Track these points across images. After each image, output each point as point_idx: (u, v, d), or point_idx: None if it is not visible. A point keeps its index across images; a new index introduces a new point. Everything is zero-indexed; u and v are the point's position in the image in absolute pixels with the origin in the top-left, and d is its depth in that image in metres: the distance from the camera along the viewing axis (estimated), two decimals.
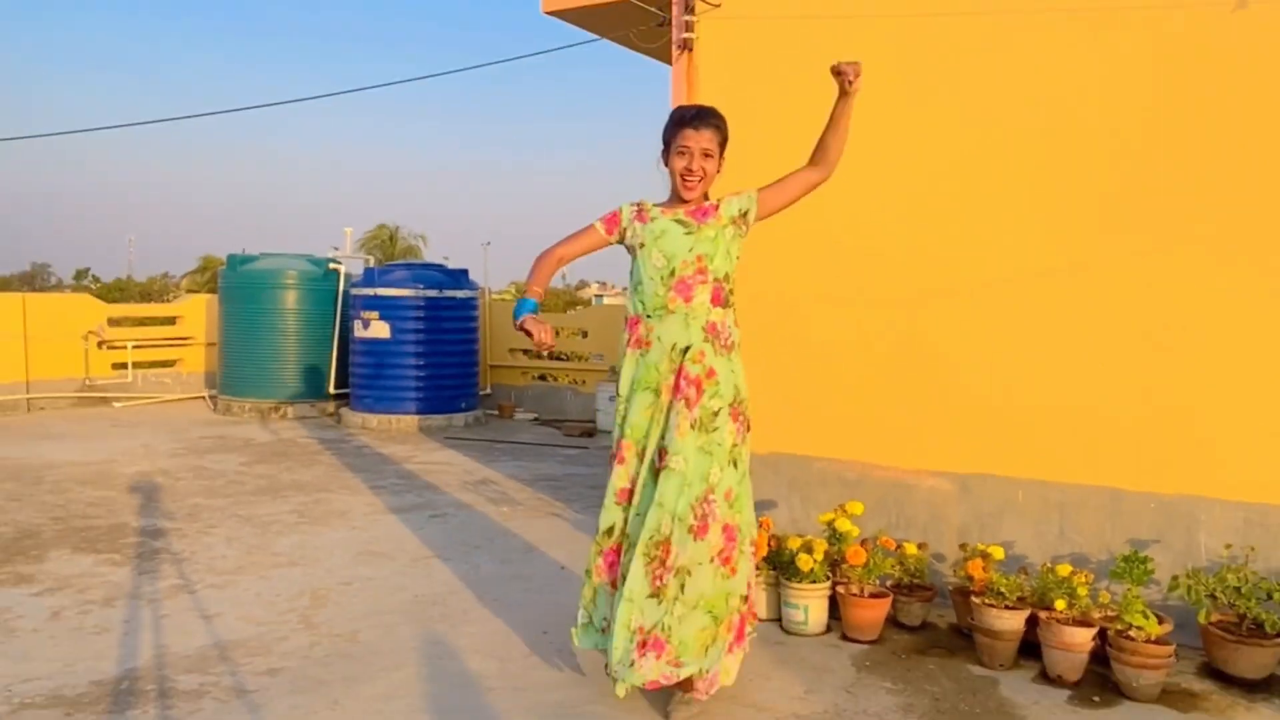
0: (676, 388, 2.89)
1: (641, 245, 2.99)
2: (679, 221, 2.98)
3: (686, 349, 2.90)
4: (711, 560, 2.87)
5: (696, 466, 2.85)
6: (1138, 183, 3.76)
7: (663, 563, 2.81)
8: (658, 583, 2.82)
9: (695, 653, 2.86)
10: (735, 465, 2.94)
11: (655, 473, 2.90)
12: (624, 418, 3.01)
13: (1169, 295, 3.70)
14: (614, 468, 3.00)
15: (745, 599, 3.03)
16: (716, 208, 2.99)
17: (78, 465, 7.27)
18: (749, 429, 3.03)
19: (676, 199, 3.01)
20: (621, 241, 3.06)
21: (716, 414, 2.89)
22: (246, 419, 10.37)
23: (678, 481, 2.83)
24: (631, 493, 2.95)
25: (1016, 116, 4.00)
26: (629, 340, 3.02)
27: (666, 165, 3.00)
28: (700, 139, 2.92)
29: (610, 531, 3.01)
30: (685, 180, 2.94)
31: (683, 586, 2.84)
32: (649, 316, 2.96)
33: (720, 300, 2.95)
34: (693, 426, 2.86)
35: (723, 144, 2.97)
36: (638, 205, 3.06)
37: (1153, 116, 3.73)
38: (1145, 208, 3.75)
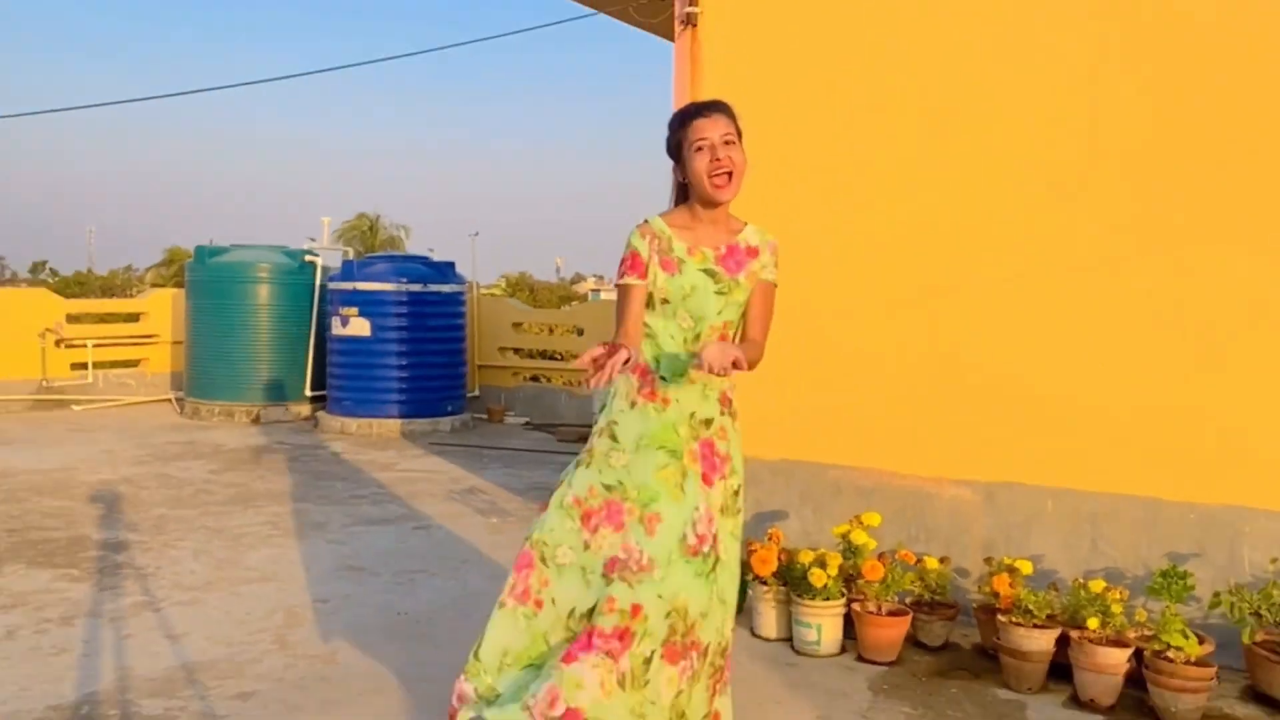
0: (710, 465, 2.71)
1: (665, 302, 2.70)
2: (709, 273, 2.68)
3: (709, 420, 2.73)
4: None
5: (730, 552, 2.72)
6: (1176, 176, 3.76)
7: (719, 671, 2.75)
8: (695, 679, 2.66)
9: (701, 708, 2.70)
10: (735, 538, 2.80)
11: (690, 554, 2.60)
12: (624, 470, 2.66)
13: (1212, 294, 3.70)
14: (599, 528, 2.63)
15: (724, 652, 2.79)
16: (756, 252, 2.73)
17: (34, 473, 7.27)
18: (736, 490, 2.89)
19: (699, 207, 2.71)
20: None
21: (737, 493, 2.77)
22: (216, 423, 10.36)
23: (730, 575, 2.72)
24: (622, 564, 2.58)
25: (1037, 106, 3.99)
26: (639, 389, 2.73)
27: (684, 177, 2.70)
28: (716, 126, 2.63)
29: (571, 610, 2.66)
30: (714, 180, 2.62)
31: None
32: (664, 379, 2.71)
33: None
34: (722, 511, 2.71)
35: (740, 134, 2.69)
36: (652, 237, 2.71)
37: (1194, 107, 3.73)
38: (1187, 201, 3.74)
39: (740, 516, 2.79)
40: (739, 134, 2.67)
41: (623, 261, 2.72)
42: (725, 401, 2.77)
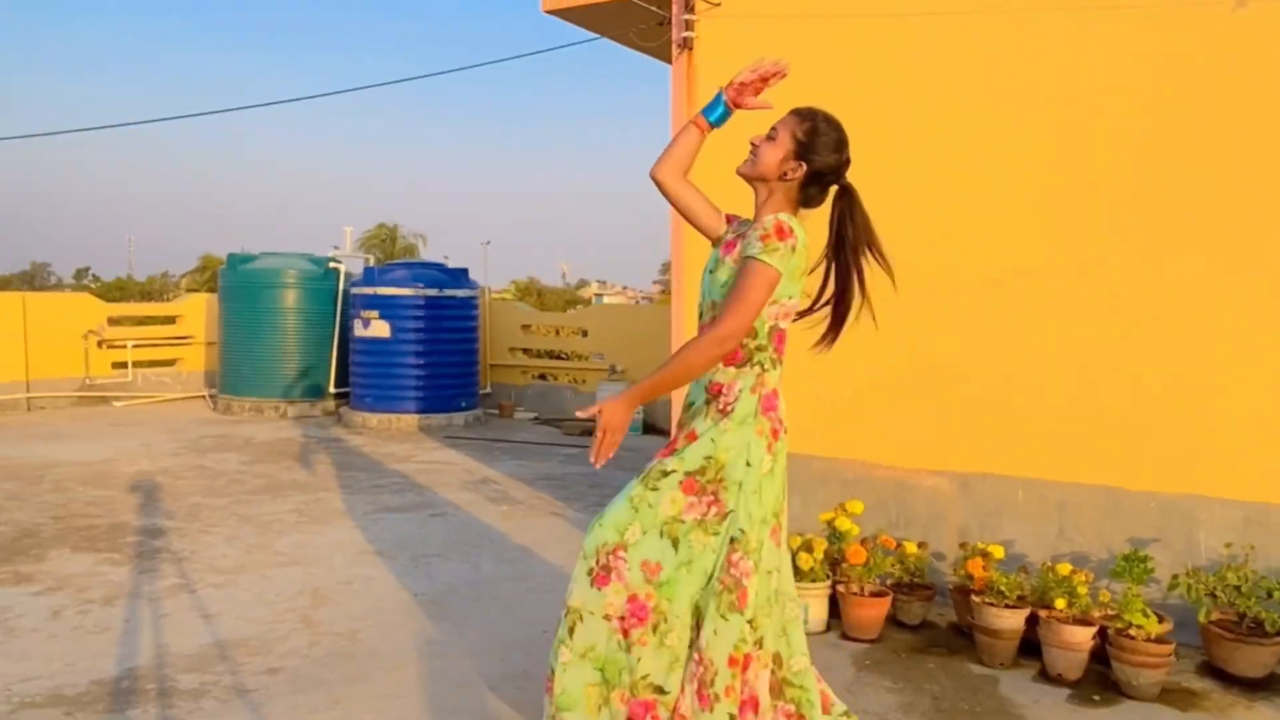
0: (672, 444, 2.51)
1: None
2: (716, 247, 2.55)
3: (692, 406, 2.53)
4: (606, 618, 2.39)
5: (620, 513, 2.42)
6: (1141, 182, 3.76)
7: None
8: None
9: (581, 709, 2.41)
10: (675, 545, 2.38)
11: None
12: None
13: (1168, 293, 3.70)
14: None
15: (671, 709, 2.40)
16: (745, 238, 2.43)
17: (78, 465, 7.27)
18: (723, 518, 2.38)
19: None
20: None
21: (666, 475, 2.41)
22: (246, 418, 10.36)
23: (596, 519, 2.49)
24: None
25: (1022, 115, 3.99)
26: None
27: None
28: (778, 118, 2.50)
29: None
30: (748, 157, 2.50)
31: (571, 630, 2.42)
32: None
33: (734, 359, 2.41)
34: (637, 474, 2.47)
35: (797, 144, 2.44)
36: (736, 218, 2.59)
37: (1162, 116, 3.73)
38: (1150, 206, 3.74)
39: (665, 504, 2.39)
40: (798, 146, 2.44)
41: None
42: (714, 390, 2.43)
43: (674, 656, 2.40)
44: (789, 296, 2.42)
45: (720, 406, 2.42)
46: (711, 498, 2.39)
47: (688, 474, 2.41)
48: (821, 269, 2.51)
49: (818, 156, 2.44)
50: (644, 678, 2.39)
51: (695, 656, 2.38)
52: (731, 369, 2.42)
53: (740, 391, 2.41)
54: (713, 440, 2.40)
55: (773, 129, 2.47)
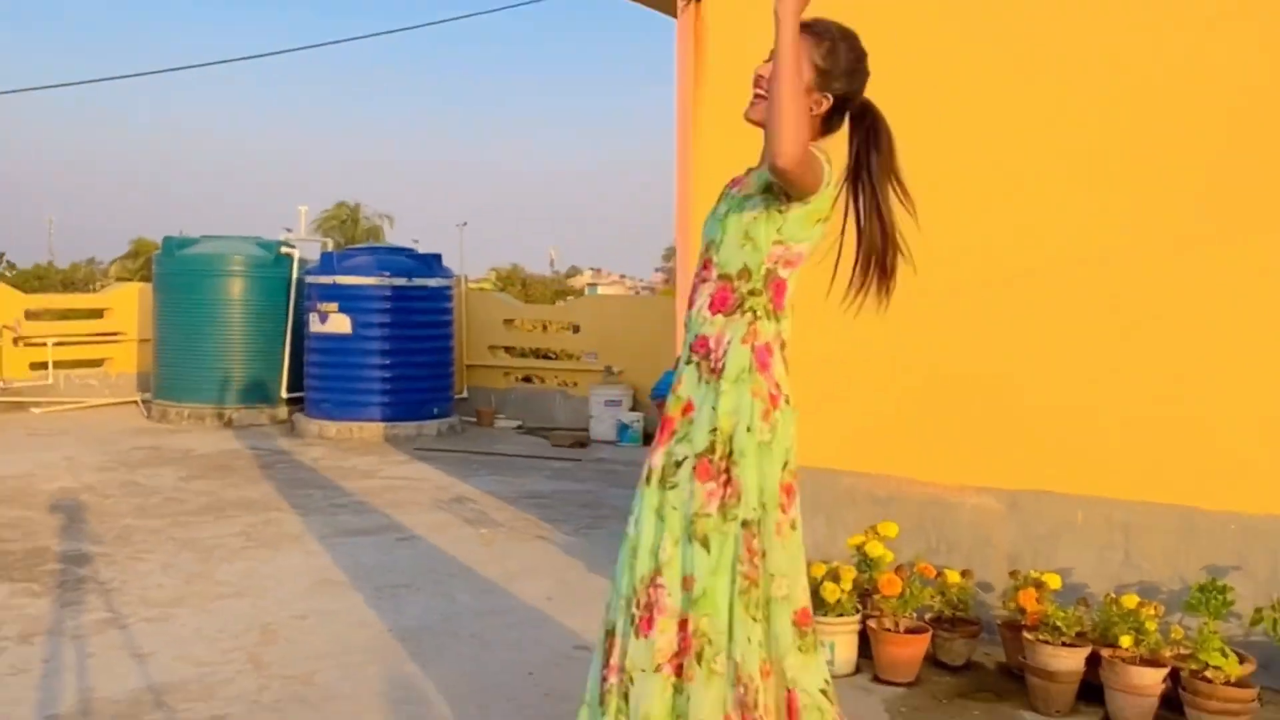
0: (660, 428, 2.46)
1: None
2: (723, 192, 2.51)
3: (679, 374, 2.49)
4: (658, 668, 2.31)
5: (649, 534, 2.37)
6: (1238, 157, 3.76)
7: (607, 661, 2.42)
8: (604, 685, 2.42)
9: None
10: (705, 546, 2.30)
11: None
12: None
13: (1257, 289, 3.70)
14: None
15: None
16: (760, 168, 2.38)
17: None
18: (739, 499, 2.30)
19: None
20: None
21: (679, 465, 2.35)
22: (185, 427, 10.37)
23: (626, 552, 2.42)
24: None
25: (1075, 92, 4.00)
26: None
27: None
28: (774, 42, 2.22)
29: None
30: (753, 94, 2.38)
31: (626, 696, 2.35)
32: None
33: (724, 305, 2.36)
34: (647, 479, 2.40)
35: (819, 68, 2.31)
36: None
37: (1243, 101, 3.73)
38: (1223, 199, 3.74)
39: (688, 498, 2.33)
40: (820, 70, 2.32)
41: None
42: (701, 346, 2.38)
43: (725, 684, 2.31)
44: (797, 240, 2.34)
45: (711, 365, 2.35)
46: (725, 476, 2.31)
47: (698, 456, 2.33)
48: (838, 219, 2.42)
49: (839, 82, 2.34)
50: None
51: (734, 677, 2.29)
52: (719, 316, 2.36)
53: (730, 343, 2.34)
54: (713, 408, 2.32)
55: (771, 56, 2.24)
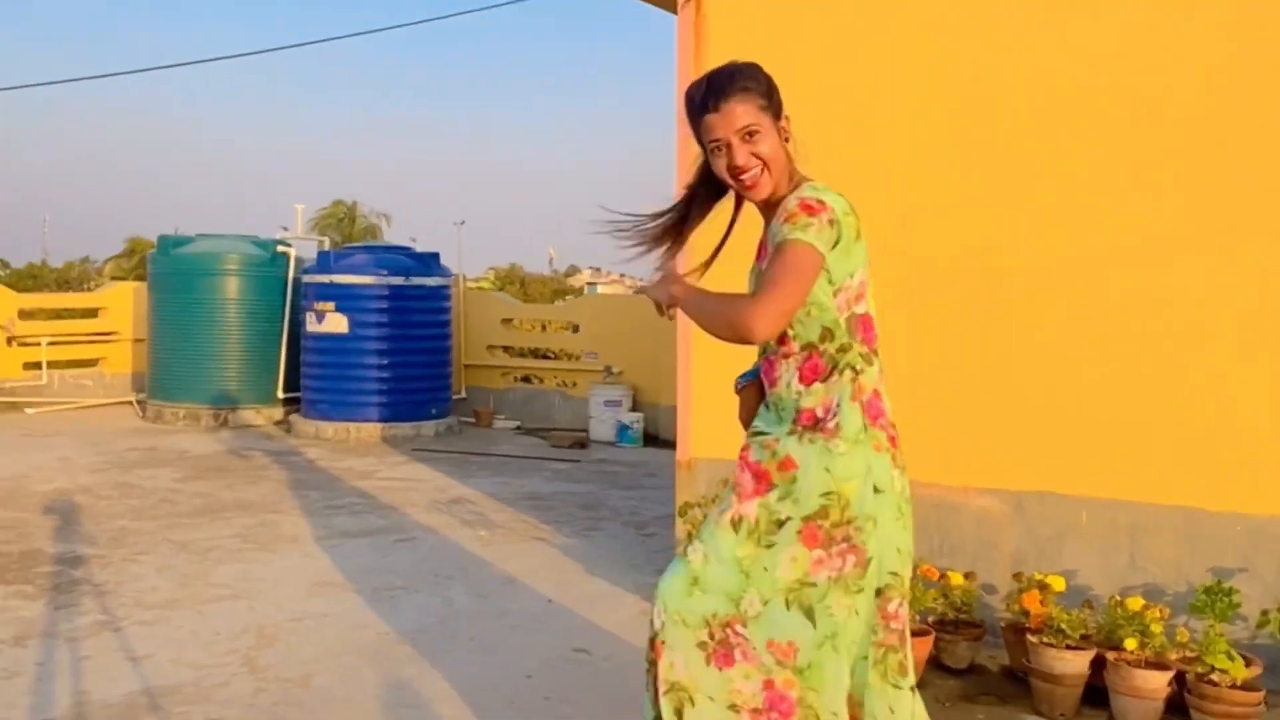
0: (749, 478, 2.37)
1: None
2: (752, 269, 2.45)
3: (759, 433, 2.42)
4: (733, 708, 2.27)
5: (721, 579, 2.30)
6: (1229, 161, 3.75)
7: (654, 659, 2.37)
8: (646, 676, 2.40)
9: None
10: (810, 617, 2.22)
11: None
12: None
13: (1262, 290, 3.69)
14: None
15: None
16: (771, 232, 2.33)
17: None
18: (864, 567, 2.21)
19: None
20: None
21: (781, 525, 2.26)
22: (180, 427, 10.36)
23: (685, 577, 2.34)
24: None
25: (1082, 82, 3.99)
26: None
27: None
28: (730, 120, 2.24)
29: None
30: (743, 183, 2.28)
31: (679, 713, 2.30)
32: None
33: (817, 373, 2.29)
34: (733, 524, 2.31)
35: (768, 106, 2.29)
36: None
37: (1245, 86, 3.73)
38: (1233, 198, 3.74)
39: (788, 565, 2.25)
40: (768, 106, 2.29)
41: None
42: (807, 421, 2.29)
43: None
44: (849, 275, 2.28)
45: (823, 430, 2.27)
46: (844, 545, 2.21)
47: (805, 520, 2.23)
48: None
49: (780, 99, 2.34)
50: None
51: None
52: (818, 385, 2.28)
53: (839, 404, 2.27)
54: (827, 470, 2.23)
55: (745, 127, 2.25)
